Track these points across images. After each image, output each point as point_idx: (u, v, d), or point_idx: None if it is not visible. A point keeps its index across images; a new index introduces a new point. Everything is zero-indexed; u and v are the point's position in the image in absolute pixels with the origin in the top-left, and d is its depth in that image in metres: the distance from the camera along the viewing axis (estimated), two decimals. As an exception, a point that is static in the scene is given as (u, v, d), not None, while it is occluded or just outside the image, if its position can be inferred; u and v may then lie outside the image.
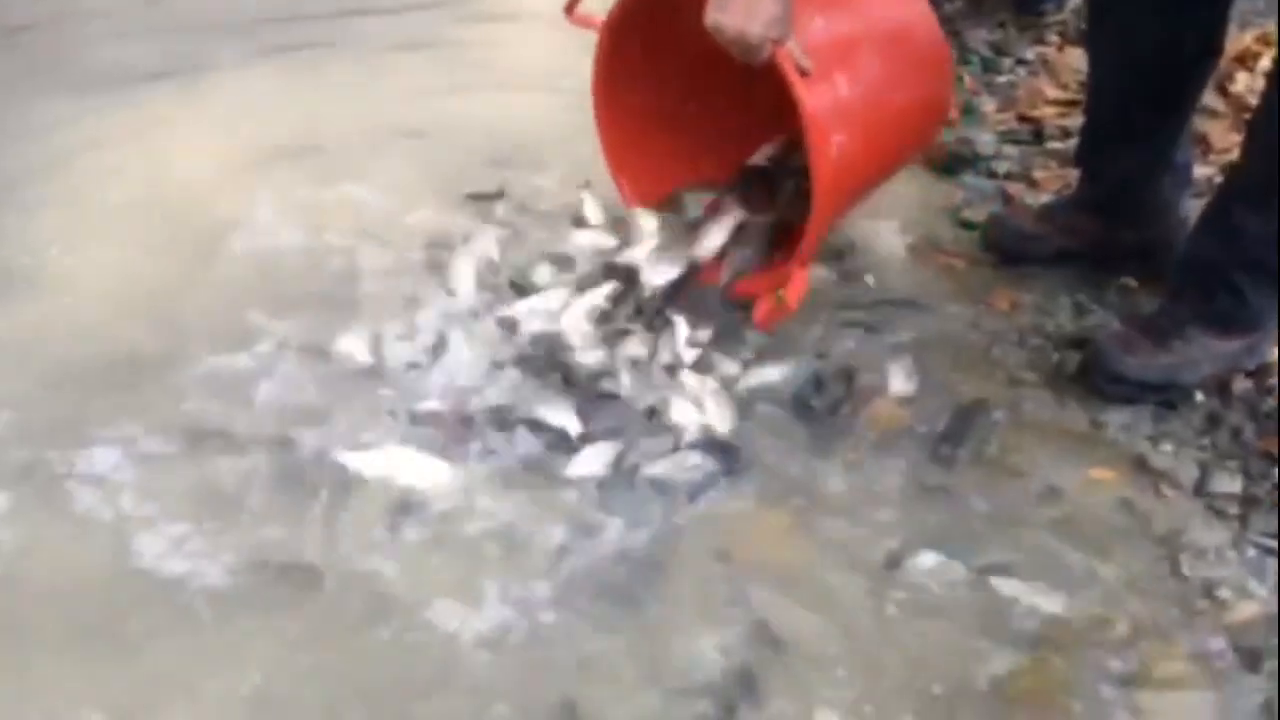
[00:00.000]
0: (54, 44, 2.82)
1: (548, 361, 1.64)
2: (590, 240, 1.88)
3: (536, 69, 2.62)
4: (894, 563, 1.39)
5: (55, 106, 2.43)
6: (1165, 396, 1.63)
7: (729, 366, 1.68)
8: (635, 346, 1.66)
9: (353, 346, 1.70)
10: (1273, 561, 1.41)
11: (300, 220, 2.02)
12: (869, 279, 1.91)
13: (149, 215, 2.05)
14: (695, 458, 1.52)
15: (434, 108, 2.44)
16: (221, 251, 1.94)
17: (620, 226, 1.86)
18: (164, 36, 2.85)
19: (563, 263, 1.86)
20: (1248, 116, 1.67)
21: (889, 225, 2.06)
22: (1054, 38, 2.73)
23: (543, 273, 1.84)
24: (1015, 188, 2.18)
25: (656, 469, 1.51)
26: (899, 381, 1.67)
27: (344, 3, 3.03)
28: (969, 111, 2.40)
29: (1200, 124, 2.24)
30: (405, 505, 1.45)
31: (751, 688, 1.24)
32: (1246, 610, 1.35)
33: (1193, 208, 1.84)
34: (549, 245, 1.93)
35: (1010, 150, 2.31)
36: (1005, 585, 1.37)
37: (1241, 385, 1.65)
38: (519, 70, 2.65)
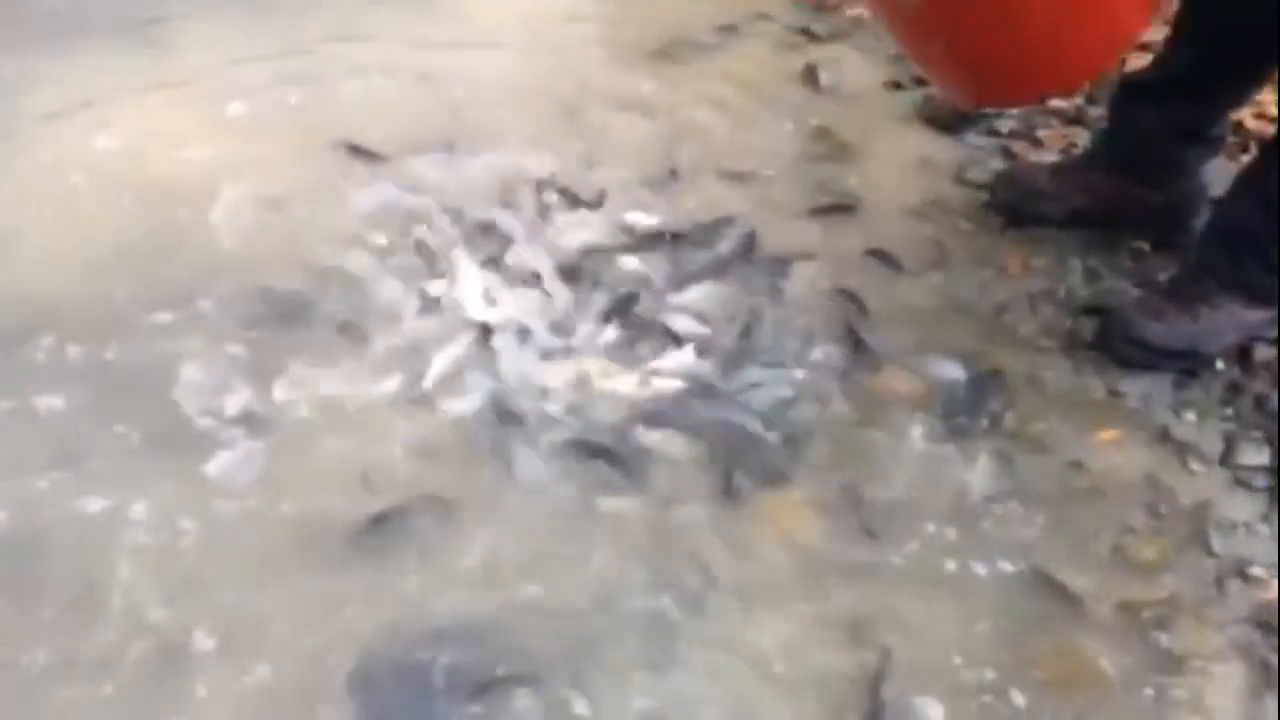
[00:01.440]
0: None
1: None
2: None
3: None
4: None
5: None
6: (1186, 364, 1.57)
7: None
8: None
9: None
10: (1305, 536, 1.36)
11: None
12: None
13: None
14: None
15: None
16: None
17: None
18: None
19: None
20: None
21: (891, 183, 1.98)
22: None
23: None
24: (1019, 145, 2.10)
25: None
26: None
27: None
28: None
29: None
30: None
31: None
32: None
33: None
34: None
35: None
36: (1033, 564, 1.31)
37: (1264, 353, 1.60)
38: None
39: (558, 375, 1.53)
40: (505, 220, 1.79)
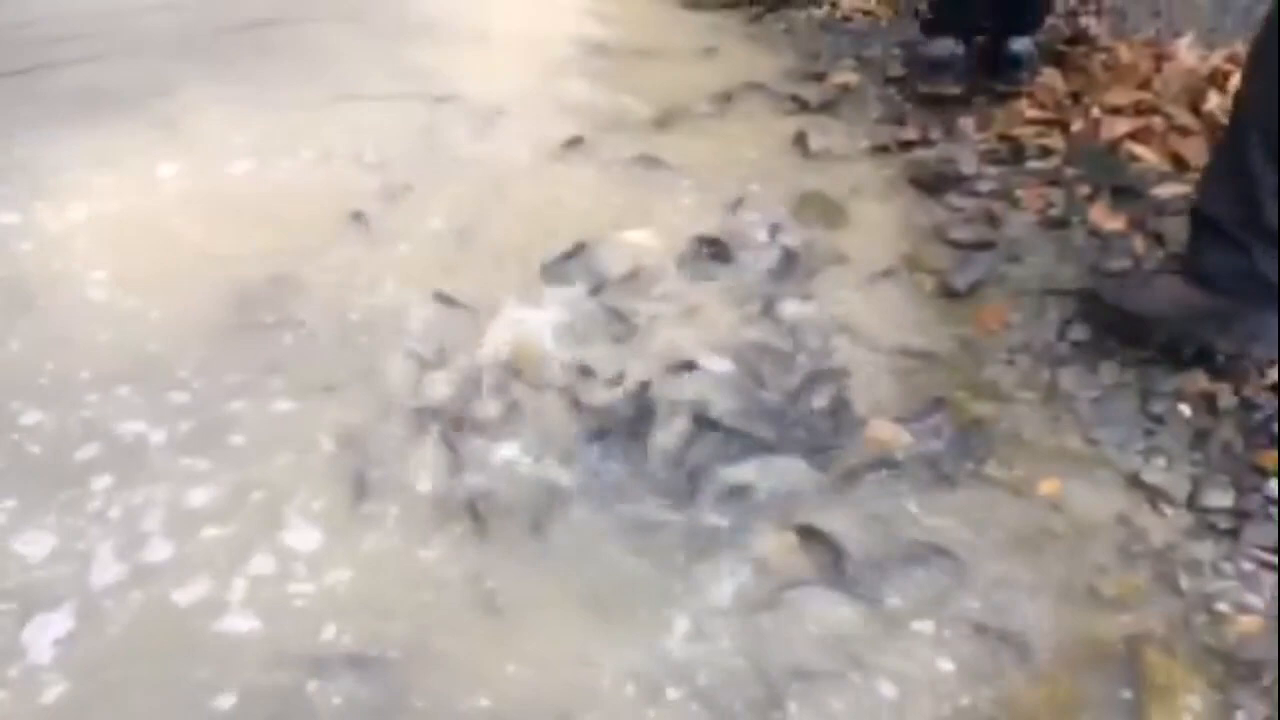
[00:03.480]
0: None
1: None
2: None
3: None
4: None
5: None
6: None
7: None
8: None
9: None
10: (1268, 575, 1.44)
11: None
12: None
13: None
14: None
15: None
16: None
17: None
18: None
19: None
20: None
21: (876, 243, 2.10)
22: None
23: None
24: (998, 205, 2.21)
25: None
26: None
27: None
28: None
29: (1174, 142, 2.30)
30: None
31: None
32: (1245, 624, 1.38)
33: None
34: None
35: (991, 170, 2.34)
36: (1009, 602, 1.40)
37: (1228, 400, 1.69)
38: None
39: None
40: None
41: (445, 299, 1.92)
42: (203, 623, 1.37)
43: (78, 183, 2.25)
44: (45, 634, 1.35)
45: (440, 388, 1.74)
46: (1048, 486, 1.56)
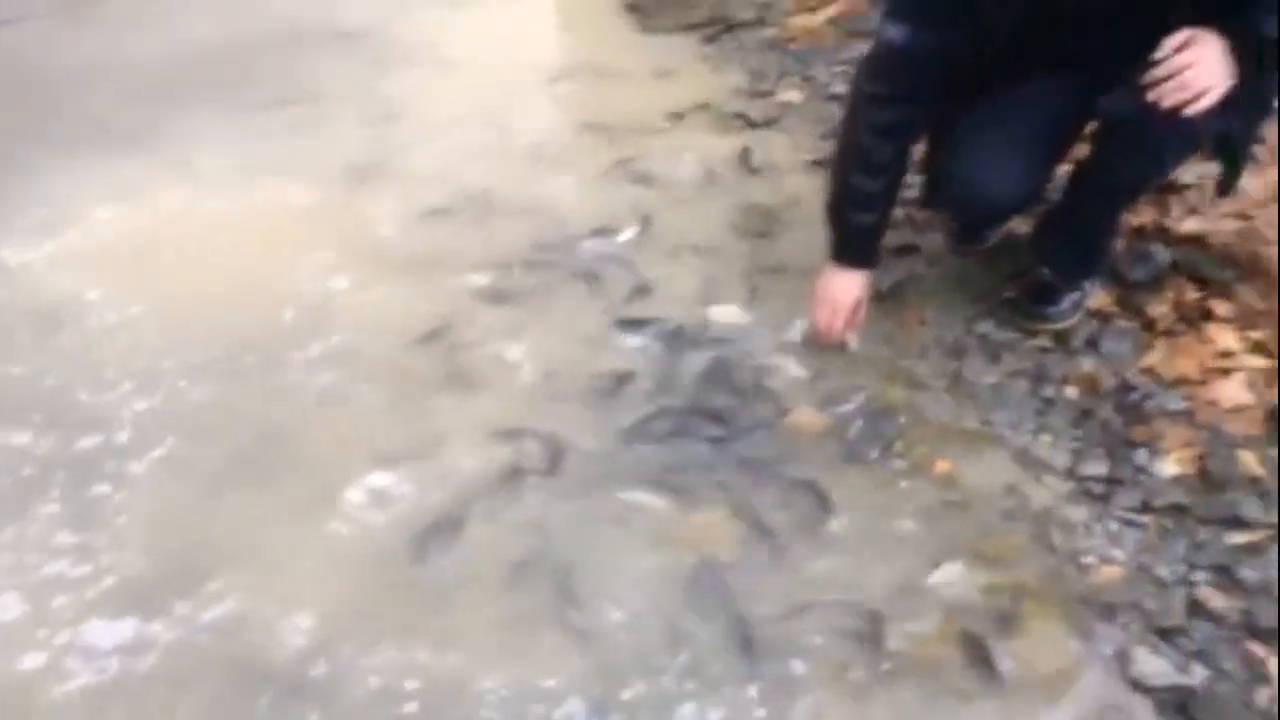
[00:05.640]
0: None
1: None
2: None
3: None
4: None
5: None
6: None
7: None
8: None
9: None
10: (1131, 531, 1.67)
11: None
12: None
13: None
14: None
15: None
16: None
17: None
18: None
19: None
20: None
21: (813, 251, 2.31)
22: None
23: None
24: (923, 214, 2.43)
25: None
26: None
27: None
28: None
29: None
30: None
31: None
32: (1107, 573, 1.61)
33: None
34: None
35: (915, 179, 2.55)
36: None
37: (1109, 382, 1.92)
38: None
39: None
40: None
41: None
42: None
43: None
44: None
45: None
46: (943, 465, 1.78)
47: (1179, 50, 1.56)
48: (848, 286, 1.95)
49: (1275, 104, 1.82)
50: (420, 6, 3.60)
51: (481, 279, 2.28)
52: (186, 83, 3.13)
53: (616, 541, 1.69)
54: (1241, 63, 1.57)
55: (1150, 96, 1.58)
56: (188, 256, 2.38)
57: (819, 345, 2.03)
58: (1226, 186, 1.86)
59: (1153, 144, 1.71)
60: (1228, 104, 1.60)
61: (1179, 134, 1.66)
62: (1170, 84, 1.56)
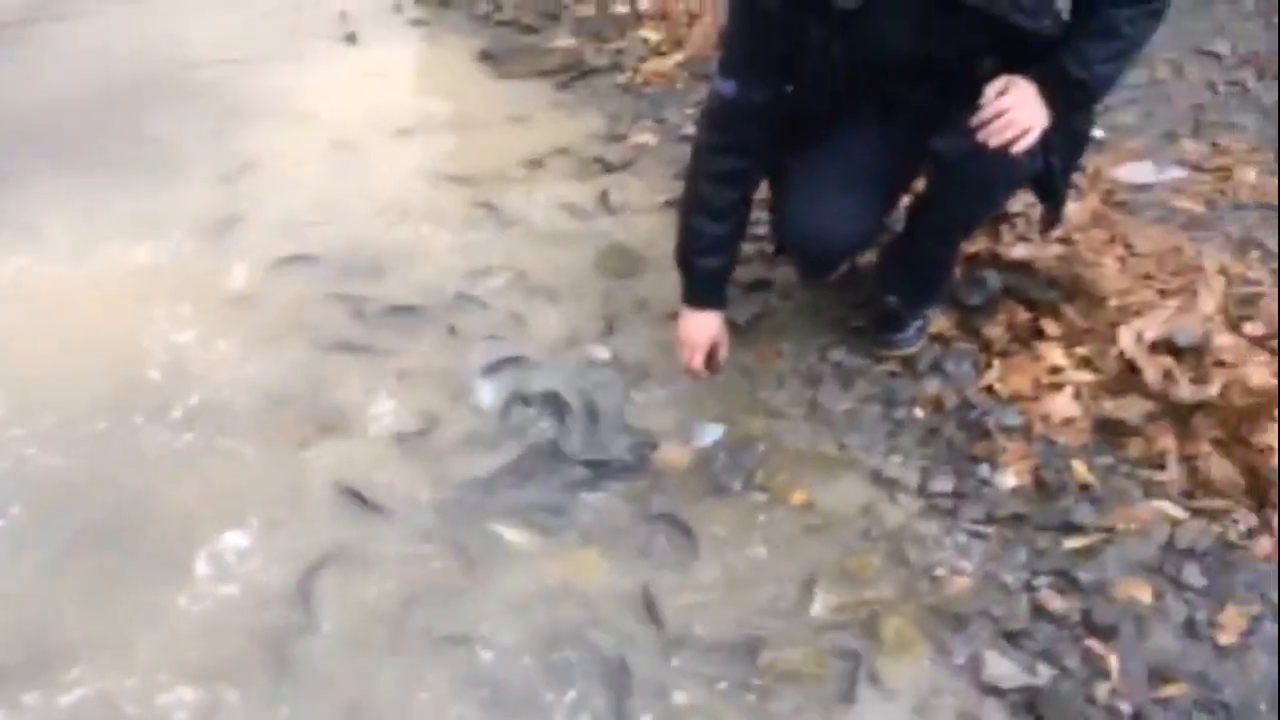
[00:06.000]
0: None
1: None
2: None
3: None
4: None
5: None
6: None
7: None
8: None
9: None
10: (978, 543, 1.76)
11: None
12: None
13: None
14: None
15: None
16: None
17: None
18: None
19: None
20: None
21: (669, 289, 2.37)
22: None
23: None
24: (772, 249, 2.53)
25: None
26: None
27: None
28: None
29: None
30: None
31: None
32: (958, 584, 1.69)
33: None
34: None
35: (765, 216, 2.65)
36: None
37: (953, 401, 2.02)
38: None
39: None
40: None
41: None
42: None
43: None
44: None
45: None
46: (800, 495, 1.85)
47: (1000, 95, 1.70)
48: (702, 325, 2.02)
49: (1088, 138, 1.98)
50: (270, 58, 3.55)
51: (341, 330, 2.27)
52: (27, 141, 3.02)
53: (487, 580, 1.71)
54: (1054, 104, 1.72)
55: (980, 136, 1.70)
56: (35, 322, 2.29)
57: (683, 383, 2.08)
58: (1051, 221, 2.01)
59: (984, 181, 1.83)
60: (1047, 145, 1.74)
61: (1007, 171, 1.79)
62: (996, 124, 1.69)
